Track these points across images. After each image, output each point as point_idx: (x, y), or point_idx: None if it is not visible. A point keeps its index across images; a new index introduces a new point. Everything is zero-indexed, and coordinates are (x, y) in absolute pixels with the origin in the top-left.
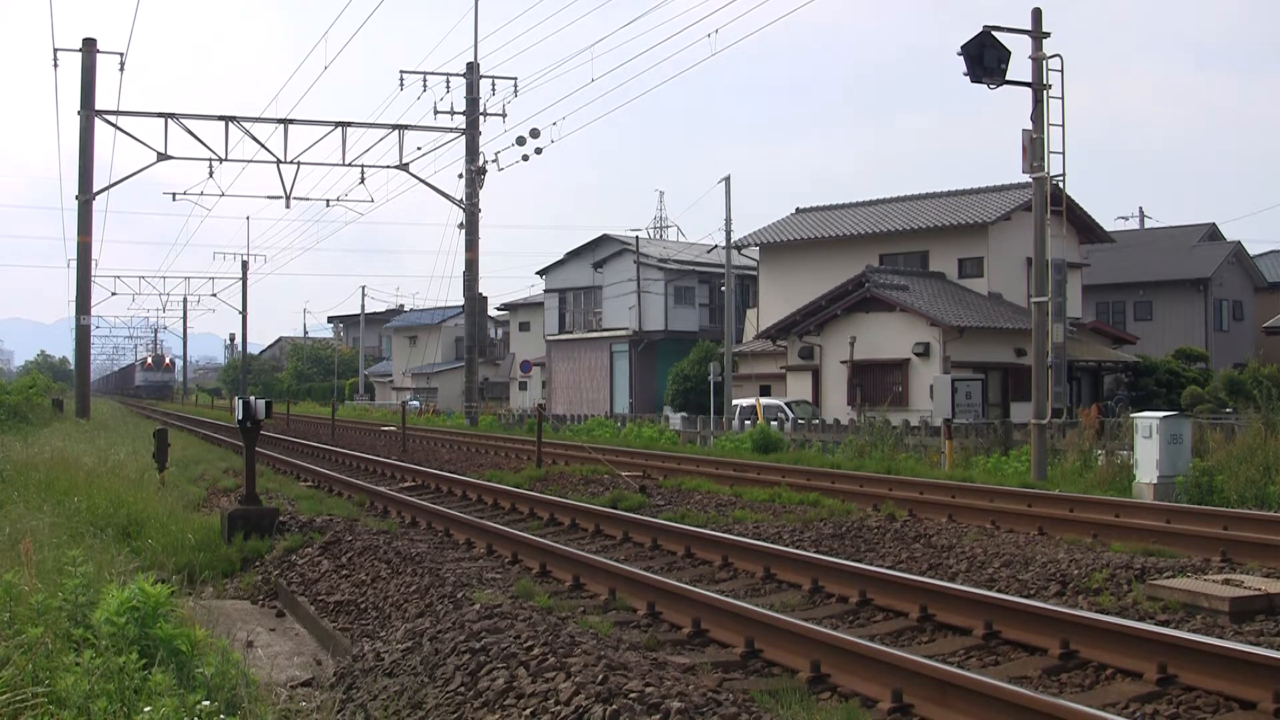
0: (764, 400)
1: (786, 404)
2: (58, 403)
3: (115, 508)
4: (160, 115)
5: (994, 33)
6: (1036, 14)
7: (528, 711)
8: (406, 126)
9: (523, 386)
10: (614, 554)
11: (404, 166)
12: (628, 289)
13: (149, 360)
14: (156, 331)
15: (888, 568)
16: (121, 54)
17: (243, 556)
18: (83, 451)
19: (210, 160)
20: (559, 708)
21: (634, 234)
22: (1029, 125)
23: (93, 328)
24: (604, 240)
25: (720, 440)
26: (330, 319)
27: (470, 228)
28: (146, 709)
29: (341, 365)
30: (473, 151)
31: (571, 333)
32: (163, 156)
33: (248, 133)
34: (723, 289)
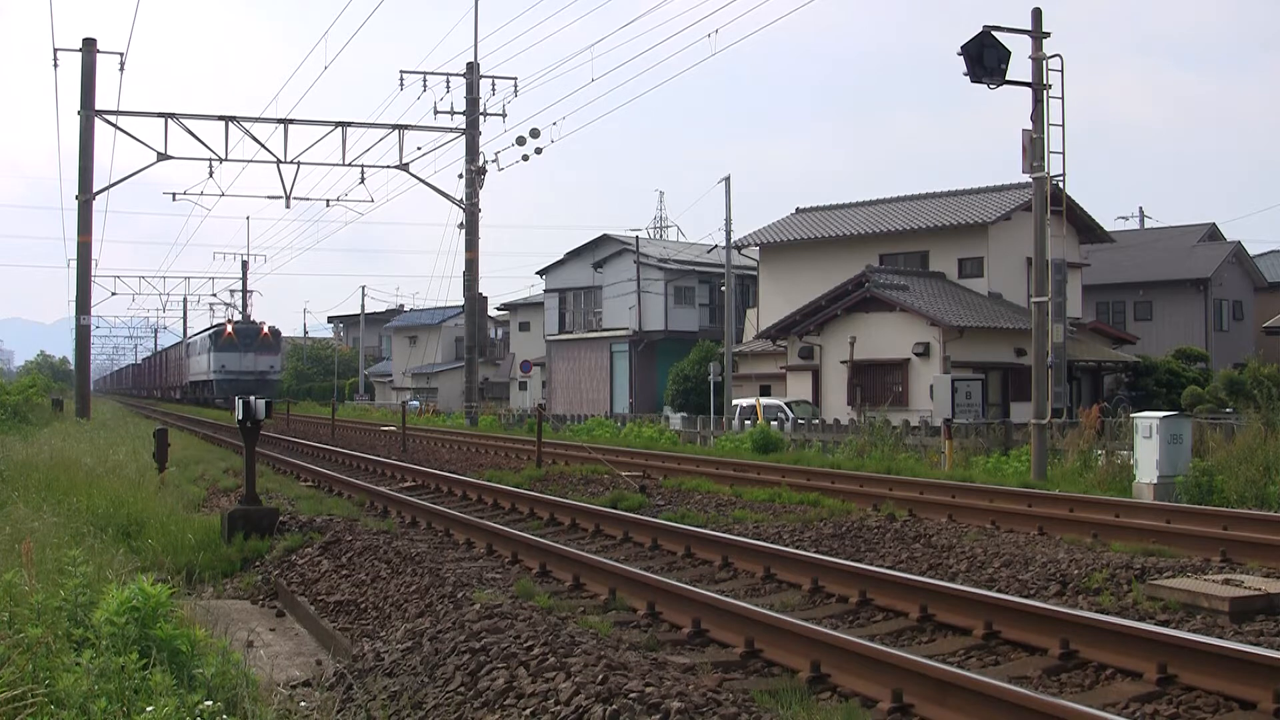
0: (764, 400)
1: (786, 404)
2: (58, 403)
3: (115, 508)
4: (160, 115)
5: (994, 33)
6: (1036, 14)
7: (528, 711)
8: (406, 126)
9: (523, 386)
10: (614, 554)
11: (404, 166)
12: (628, 289)
13: (229, 331)
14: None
15: (888, 568)
16: (121, 54)
17: (243, 556)
18: (83, 452)
19: (210, 160)
20: (559, 708)
21: (634, 234)
22: (1029, 124)
23: (93, 328)
24: (604, 240)
25: (720, 440)
26: (330, 319)
27: (470, 228)
28: (147, 709)
29: (341, 365)
30: (473, 151)
31: (571, 333)
32: (163, 156)
33: (248, 133)
34: (723, 289)
